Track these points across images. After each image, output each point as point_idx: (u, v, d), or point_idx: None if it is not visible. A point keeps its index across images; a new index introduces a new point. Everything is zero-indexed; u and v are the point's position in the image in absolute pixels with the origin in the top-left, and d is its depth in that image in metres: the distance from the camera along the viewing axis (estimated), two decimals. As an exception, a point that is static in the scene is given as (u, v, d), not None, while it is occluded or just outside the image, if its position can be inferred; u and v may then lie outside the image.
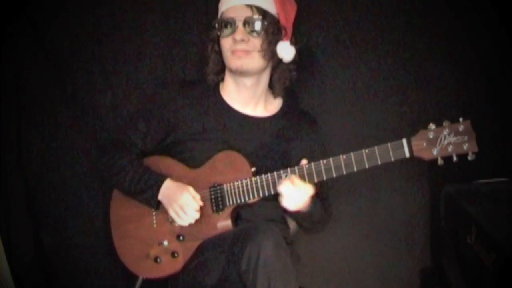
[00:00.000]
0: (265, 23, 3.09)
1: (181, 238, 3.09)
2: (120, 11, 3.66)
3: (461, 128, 2.76)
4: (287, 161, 3.10)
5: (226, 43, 3.11)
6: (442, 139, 2.77)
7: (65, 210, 3.67)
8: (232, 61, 3.11)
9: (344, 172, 2.90)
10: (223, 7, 3.15)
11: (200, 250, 3.04)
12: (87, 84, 3.68)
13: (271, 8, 3.12)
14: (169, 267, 3.10)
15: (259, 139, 3.17)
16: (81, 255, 3.69)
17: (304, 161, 2.96)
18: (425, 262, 3.73)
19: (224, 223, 3.06)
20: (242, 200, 3.03)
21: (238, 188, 3.03)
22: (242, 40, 3.07)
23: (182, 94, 3.22)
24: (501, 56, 3.58)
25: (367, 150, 2.87)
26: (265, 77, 3.21)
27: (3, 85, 3.58)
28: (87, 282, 3.70)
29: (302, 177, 2.93)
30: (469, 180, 3.44)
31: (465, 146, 2.75)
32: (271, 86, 3.26)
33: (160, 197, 3.09)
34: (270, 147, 3.16)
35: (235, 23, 3.09)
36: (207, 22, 3.40)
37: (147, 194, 3.11)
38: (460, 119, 2.77)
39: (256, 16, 3.08)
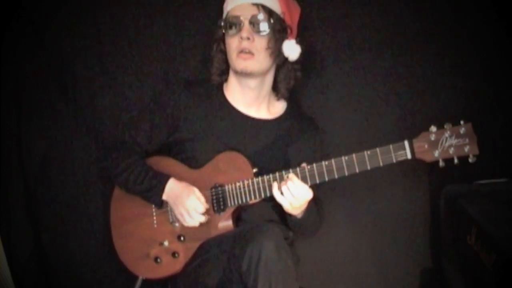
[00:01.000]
0: (271, 21, 3.09)
1: (181, 238, 3.09)
2: (121, 11, 3.66)
3: (462, 130, 2.77)
4: (289, 164, 3.09)
5: (232, 42, 3.11)
6: (444, 141, 2.78)
7: (65, 210, 3.67)
8: (237, 63, 3.10)
9: (346, 174, 2.91)
10: (229, 6, 3.14)
11: (201, 250, 3.04)
12: (87, 84, 3.67)
13: (276, 8, 3.12)
14: (170, 267, 3.11)
15: (262, 141, 3.17)
16: (81, 255, 3.69)
17: (303, 164, 2.96)
18: (425, 262, 3.73)
19: (225, 223, 3.07)
20: (244, 201, 3.03)
21: (240, 188, 3.03)
22: (248, 38, 3.06)
23: (185, 94, 3.21)
24: (502, 58, 3.58)
25: (369, 152, 2.87)
26: (269, 79, 3.21)
27: (3, 85, 3.58)
28: (87, 282, 3.69)
29: (303, 178, 2.93)
30: (469, 181, 3.44)
31: (466, 149, 2.77)
32: (274, 88, 3.26)
33: (164, 196, 3.10)
34: (272, 150, 3.17)
35: (241, 22, 3.08)
36: (208, 22, 3.41)
37: (151, 192, 3.12)
38: (462, 122, 2.78)
39: (262, 15, 3.08)
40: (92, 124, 3.67)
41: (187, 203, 3.02)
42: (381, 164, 2.87)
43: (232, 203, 3.05)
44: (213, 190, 3.07)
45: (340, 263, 3.75)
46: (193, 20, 3.65)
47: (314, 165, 2.94)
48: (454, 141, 2.77)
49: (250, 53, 3.07)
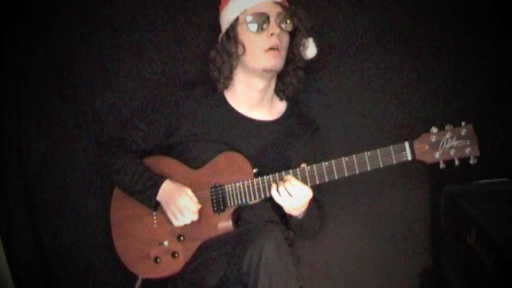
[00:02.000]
0: (295, 18, 3.09)
1: (181, 238, 3.09)
2: (121, 11, 3.66)
3: (463, 132, 2.76)
4: (289, 164, 3.10)
5: (259, 40, 3.07)
6: (444, 143, 2.77)
7: (65, 210, 3.67)
8: (266, 60, 3.07)
9: (346, 174, 2.91)
10: (246, 4, 3.08)
11: (201, 250, 3.04)
12: (87, 84, 3.67)
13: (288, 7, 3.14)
14: (169, 267, 3.10)
15: (262, 142, 3.17)
16: (81, 255, 3.69)
17: (303, 165, 2.97)
18: (425, 262, 3.73)
19: (225, 223, 3.07)
20: (243, 201, 3.03)
21: (239, 189, 3.03)
22: (278, 35, 3.05)
23: (184, 94, 3.21)
24: (502, 58, 3.59)
25: (369, 153, 2.87)
26: (274, 80, 3.22)
27: (3, 85, 3.57)
28: (87, 282, 3.70)
29: (303, 179, 2.93)
30: (469, 180, 3.43)
31: (467, 150, 2.76)
32: (278, 88, 3.26)
33: (158, 198, 3.09)
34: (273, 150, 3.17)
35: (269, 18, 3.06)
36: (208, 22, 3.41)
37: (145, 194, 3.12)
38: (463, 123, 2.77)
39: (287, 12, 3.09)
40: (92, 124, 3.67)
41: (179, 201, 3.02)
42: (381, 165, 2.86)
43: (232, 203, 3.05)
44: (213, 190, 3.07)
45: (340, 263, 3.75)
46: (193, 20, 3.65)
47: (314, 166, 2.93)
48: (455, 142, 2.76)
49: (278, 49, 3.06)
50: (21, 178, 3.64)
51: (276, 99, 3.29)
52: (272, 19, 3.06)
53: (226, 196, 3.05)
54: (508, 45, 3.55)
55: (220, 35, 3.18)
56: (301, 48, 3.16)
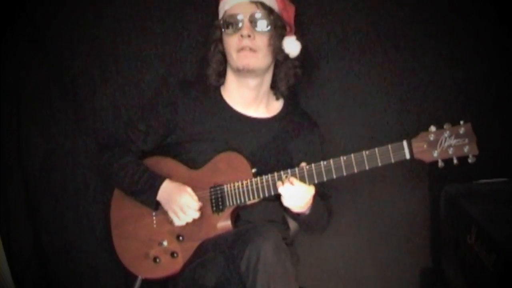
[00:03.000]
0: (271, 18, 3.09)
1: (180, 238, 3.09)
2: (120, 11, 3.65)
3: (461, 130, 2.76)
4: (288, 162, 3.10)
5: (232, 41, 3.10)
6: (443, 142, 2.77)
7: (65, 210, 3.68)
8: (238, 60, 3.09)
9: (345, 173, 2.91)
10: (226, 6, 3.14)
11: (200, 250, 3.04)
12: (87, 84, 3.67)
13: (274, 5, 3.13)
14: (169, 267, 3.10)
15: (260, 140, 3.17)
16: (80, 255, 3.70)
17: (303, 164, 2.96)
18: (425, 262, 3.74)
19: (224, 223, 3.07)
20: (242, 201, 3.03)
21: (238, 188, 3.03)
22: (249, 36, 3.06)
23: (182, 94, 3.22)
24: (502, 57, 3.59)
25: (367, 152, 2.87)
26: (268, 78, 3.21)
27: (3, 84, 3.58)
28: (87, 282, 3.70)
29: (302, 178, 2.93)
30: (469, 180, 3.44)
31: (466, 149, 2.75)
32: (273, 86, 3.26)
33: (158, 198, 3.09)
34: (271, 148, 3.17)
35: (241, 20, 3.08)
36: (208, 21, 3.41)
37: (145, 195, 3.12)
38: (461, 122, 2.77)
39: (262, 12, 3.08)
40: (92, 124, 3.67)
41: (180, 200, 3.02)
42: (379, 164, 2.86)
43: (231, 203, 3.05)
44: (212, 190, 3.07)
45: (340, 263, 3.76)
46: (192, 20, 3.65)
47: (313, 165, 2.94)
48: (453, 141, 2.76)
49: (252, 50, 3.07)
50: (21, 178, 3.64)
51: (273, 97, 3.29)
52: (246, 21, 3.08)
53: (225, 196, 3.05)
54: (508, 45, 3.55)
55: (211, 31, 3.24)
56: (283, 47, 3.15)
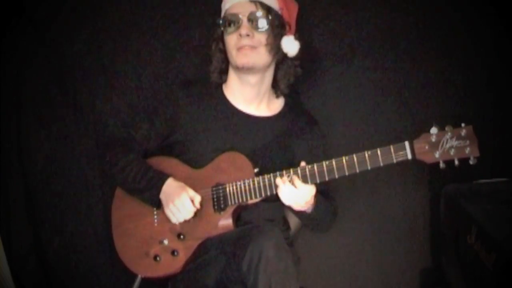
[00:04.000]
0: (270, 17, 3.10)
1: (181, 237, 3.09)
2: (121, 11, 3.66)
3: (463, 132, 2.76)
4: (290, 161, 3.10)
5: (231, 40, 3.11)
6: (444, 143, 2.77)
7: (65, 210, 3.68)
8: (238, 58, 3.10)
9: (346, 173, 2.90)
10: (226, 5, 3.15)
11: (201, 249, 3.04)
12: (87, 84, 3.67)
13: (274, 4, 3.13)
14: (169, 266, 3.10)
15: (262, 138, 3.17)
16: (80, 255, 3.71)
17: (303, 163, 2.96)
18: (425, 262, 3.75)
19: (225, 222, 3.06)
20: (244, 200, 3.03)
21: (240, 188, 3.03)
22: (247, 35, 3.07)
23: (185, 93, 3.22)
24: (502, 58, 3.60)
25: (369, 152, 2.86)
26: (269, 75, 3.21)
27: (3, 84, 3.58)
28: (87, 281, 3.71)
29: (304, 177, 2.92)
30: (469, 180, 3.44)
31: (467, 151, 2.75)
32: (274, 85, 3.26)
33: (161, 195, 3.09)
34: (273, 147, 3.17)
35: (240, 19, 3.08)
36: (209, 21, 3.40)
37: (149, 193, 3.11)
38: (463, 124, 2.77)
39: (260, 11, 3.09)
40: (92, 124, 3.67)
41: (178, 200, 3.02)
42: (381, 164, 2.85)
43: (233, 202, 3.04)
44: (214, 189, 3.07)
45: (340, 263, 3.77)
46: (193, 20, 3.66)
47: (315, 164, 2.93)
48: (455, 142, 2.76)
49: (252, 47, 3.08)
50: (21, 178, 3.65)
51: (274, 95, 3.29)
52: (244, 20, 3.09)
53: (227, 195, 3.05)
54: (508, 46, 3.55)
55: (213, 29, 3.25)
56: (282, 46, 3.16)
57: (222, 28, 3.15)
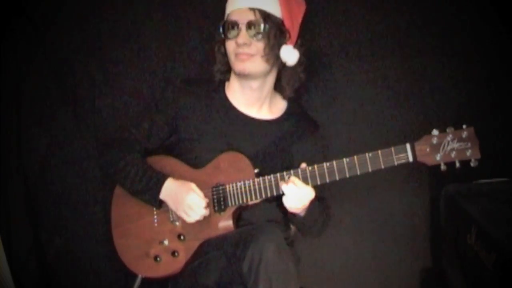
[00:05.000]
0: (268, 26, 3.07)
1: (182, 237, 3.09)
2: (121, 11, 3.66)
3: (464, 134, 2.76)
4: (290, 164, 3.11)
5: (230, 46, 3.11)
6: (446, 145, 2.77)
7: (65, 210, 3.69)
8: (235, 64, 3.10)
9: (347, 175, 2.91)
10: (228, 9, 3.14)
11: (202, 250, 3.04)
12: (87, 84, 3.67)
13: (276, 11, 3.10)
14: (169, 266, 3.10)
15: (263, 141, 3.17)
16: (80, 255, 3.71)
17: (303, 165, 2.97)
18: (425, 262, 3.76)
19: (226, 223, 3.06)
20: (244, 201, 3.03)
21: (241, 188, 3.03)
22: (245, 44, 3.06)
23: (186, 93, 3.21)
24: (502, 58, 3.60)
25: (370, 154, 2.87)
26: (270, 80, 3.20)
27: (3, 84, 3.58)
28: (87, 281, 3.71)
29: (305, 179, 2.93)
30: (469, 180, 3.45)
31: (468, 153, 2.76)
32: (278, 87, 3.25)
33: (162, 196, 3.09)
34: (273, 150, 3.16)
35: (238, 27, 3.07)
36: (208, 21, 3.41)
37: (148, 194, 3.11)
38: (464, 126, 2.77)
39: (259, 20, 3.07)
40: (92, 124, 3.67)
41: (188, 199, 3.02)
42: (382, 166, 2.86)
43: (233, 203, 3.04)
44: (214, 189, 3.07)
45: (340, 263, 3.77)
46: (193, 20, 3.66)
47: (316, 166, 2.94)
48: (456, 145, 2.76)
49: (249, 54, 3.07)
50: (21, 178, 3.65)
51: (276, 98, 3.29)
52: (243, 28, 3.08)
53: (227, 195, 3.05)
54: (508, 46, 3.56)
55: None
56: (280, 55, 3.15)
57: (222, 33, 3.15)
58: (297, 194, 2.92)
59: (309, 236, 3.33)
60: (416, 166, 2.97)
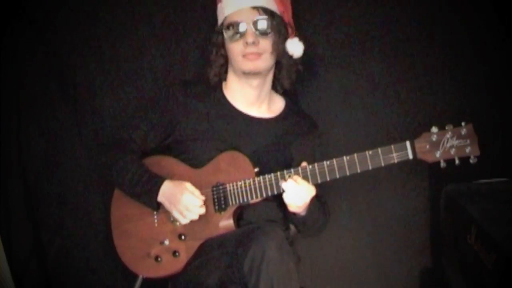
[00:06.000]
0: (274, 23, 3.09)
1: (182, 237, 3.09)
2: (121, 11, 3.66)
3: (463, 131, 2.78)
4: (289, 162, 3.11)
5: (236, 47, 3.10)
6: (445, 142, 2.78)
7: (65, 210, 3.68)
8: (244, 64, 3.10)
9: (348, 173, 2.91)
10: (226, 11, 3.13)
11: (202, 250, 3.04)
12: (87, 84, 3.67)
13: (274, 8, 3.13)
14: (170, 266, 3.10)
15: (262, 140, 3.17)
16: (81, 255, 3.70)
17: (303, 164, 2.97)
18: (425, 262, 3.75)
19: (226, 222, 3.06)
20: (245, 200, 3.03)
21: (241, 188, 3.03)
22: (253, 43, 3.06)
23: (184, 93, 3.20)
24: (502, 57, 3.60)
25: (370, 152, 2.87)
26: (270, 77, 3.21)
27: (3, 85, 3.58)
28: (87, 281, 3.70)
29: (305, 177, 2.93)
30: (469, 180, 3.44)
31: (468, 150, 2.77)
32: (275, 84, 3.27)
33: (159, 198, 3.09)
34: (273, 148, 3.17)
35: (244, 27, 3.07)
36: (207, 22, 3.41)
37: (145, 197, 3.11)
38: (463, 123, 2.78)
39: (264, 17, 3.08)
40: (92, 124, 3.67)
41: (183, 200, 3.02)
42: (382, 164, 2.86)
43: (233, 202, 3.04)
44: (214, 189, 3.07)
45: (340, 263, 3.77)
46: (193, 20, 3.65)
47: (316, 164, 2.94)
48: (455, 142, 2.77)
49: (258, 54, 3.08)
50: (21, 178, 3.64)
51: (275, 96, 3.30)
52: (248, 27, 3.08)
53: (227, 195, 3.05)
54: (508, 45, 3.56)
55: (214, 34, 3.24)
56: (286, 49, 3.17)
57: (225, 35, 3.14)
58: (297, 191, 2.92)
59: (308, 235, 3.32)
60: (416, 166, 2.98)
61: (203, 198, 3.05)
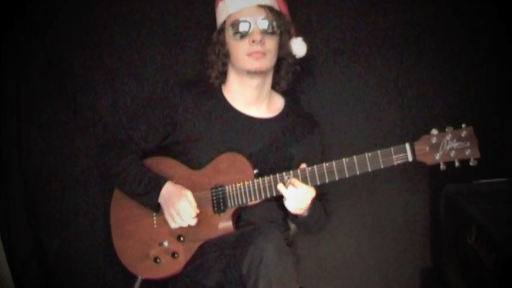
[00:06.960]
0: (279, 21, 3.10)
1: (181, 238, 3.08)
2: (120, 11, 3.65)
3: (463, 134, 2.76)
4: (289, 163, 3.11)
5: (241, 46, 3.08)
6: (445, 145, 2.78)
7: (65, 210, 3.68)
8: (249, 63, 3.08)
9: (347, 175, 2.91)
10: (231, 9, 3.11)
11: (201, 251, 3.04)
12: (87, 84, 3.67)
13: (277, 7, 3.13)
14: (169, 267, 3.10)
15: (262, 140, 3.17)
16: (80, 255, 3.70)
17: (303, 165, 2.97)
18: (425, 262, 3.75)
19: (225, 224, 3.06)
20: (244, 202, 3.02)
21: (240, 189, 3.02)
22: (260, 41, 3.05)
23: (183, 94, 3.19)
24: (502, 58, 3.60)
25: (370, 154, 2.87)
26: (270, 77, 3.21)
27: (3, 85, 3.58)
28: (87, 282, 3.70)
29: (304, 179, 2.93)
30: (469, 180, 3.45)
31: (467, 152, 2.76)
32: (274, 84, 3.26)
33: (159, 200, 3.09)
34: (273, 149, 3.16)
35: (250, 25, 3.06)
36: (207, 21, 3.40)
37: (147, 197, 3.11)
38: (463, 125, 2.77)
39: (270, 16, 3.08)
40: (92, 124, 3.67)
41: (178, 204, 3.02)
42: (382, 166, 2.86)
43: (232, 204, 3.04)
44: (213, 190, 3.07)
45: (340, 263, 3.77)
46: (193, 20, 3.65)
47: (315, 166, 2.93)
48: (455, 144, 2.76)
49: (263, 53, 3.07)
50: (21, 178, 3.64)
51: (274, 96, 3.30)
52: (254, 26, 3.06)
53: (226, 196, 3.04)
54: (508, 46, 3.56)
55: (214, 33, 3.22)
56: (289, 48, 3.17)
57: (228, 33, 3.13)
58: (298, 196, 2.92)
59: (310, 234, 3.33)
60: (416, 166, 2.98)
61: (197, 211, 3.05)
